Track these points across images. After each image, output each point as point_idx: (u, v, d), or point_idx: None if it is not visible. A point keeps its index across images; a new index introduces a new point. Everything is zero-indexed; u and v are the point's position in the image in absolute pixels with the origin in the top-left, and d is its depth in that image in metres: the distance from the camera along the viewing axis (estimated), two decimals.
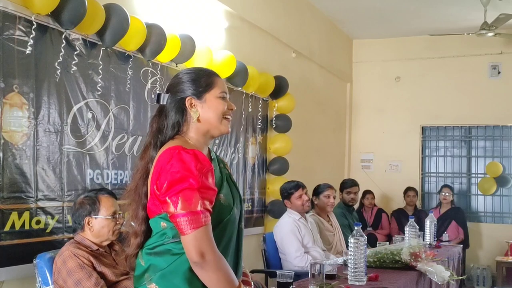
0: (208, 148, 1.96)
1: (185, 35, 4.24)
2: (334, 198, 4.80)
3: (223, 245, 1.80)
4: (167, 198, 1.70)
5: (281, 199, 4.58)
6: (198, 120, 1.88)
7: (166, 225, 1.78)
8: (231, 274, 1.76)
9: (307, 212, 4.58)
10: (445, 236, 6.78)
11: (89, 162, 3.52)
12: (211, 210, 1.74)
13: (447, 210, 7.19)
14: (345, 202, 5.61)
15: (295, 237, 4.21)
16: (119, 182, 3.77)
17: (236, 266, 1.87)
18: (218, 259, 1.72)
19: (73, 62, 3.37)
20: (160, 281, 1.77)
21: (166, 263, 1.78)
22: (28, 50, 3.08)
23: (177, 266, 1.76)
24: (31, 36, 3.08)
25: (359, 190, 5.81)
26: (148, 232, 1.88)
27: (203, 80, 1.90)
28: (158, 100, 1.92)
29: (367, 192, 7.26)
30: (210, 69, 2.01)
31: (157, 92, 1.97)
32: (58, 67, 3.27)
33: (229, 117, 1.93)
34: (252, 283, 2.10)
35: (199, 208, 1.69)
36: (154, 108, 4.05)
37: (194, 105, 1.88)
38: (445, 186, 7.40)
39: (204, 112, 1.88)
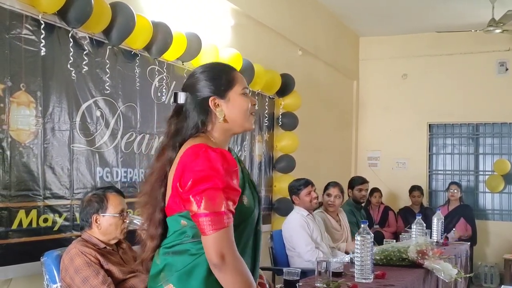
0: (229, 147, 1.93)
1: (191, 33, 4.25)
2: (338, 197, 4.78)
3: (240, 247, 1.75)
4: (190, 197, 1.67)
5: (289, 196, 4.59)
6: (225, 120, 1.83)
7: (186, 223, 1.74)
8: (250, 277, 1.72)
9: (314, 210, 4.60)
10: (452, 233, 6.75)
11: (99, 160, 3.54)
12: (234, 211, 1.70)
13: (455, 207, 7.14)
14: (355, 199, 5.62)
15: (304, 232, 4.25)
16: (128, 180, 3.79)
17: (253, 269, 1.84)
18: (238, 262, 1.68)
19: (84, 62, 3.39)
20: (178, 282, 1.74)
21: (183, 263, 1.74)
22: (43, 51, 3.10)
23: (195, 267, 1.73)
24: (41, 36, 3.10)
25: (369, 187, 5.83)
26: (164, 235, 1.85)
27: (224, 77, 1.85)
28: (175, 99, 1.86)
29: (374, 190, 7.24)
30: (227, 64, 1.94)
31: (174, 91, 1.90)
32: (71, 68, 3.30)
33: (253, 113, 1.89)
34: (267, 285, 2.09)
35: (222, 208, 1.65)
36: (160, 106, 4.08)
37: (219, 104, 1.83)
38: (453, 183, 7.36)
39: (230, 111, 1.83)
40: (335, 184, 4.84)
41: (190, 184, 1.67)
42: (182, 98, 1.86)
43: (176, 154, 1.81)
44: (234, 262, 1.67)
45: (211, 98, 1.83)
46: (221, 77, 1.85)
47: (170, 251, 1.78)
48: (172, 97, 1.89)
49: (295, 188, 4.47)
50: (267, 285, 2.05)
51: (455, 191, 7.13)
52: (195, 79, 1.87)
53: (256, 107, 1.93)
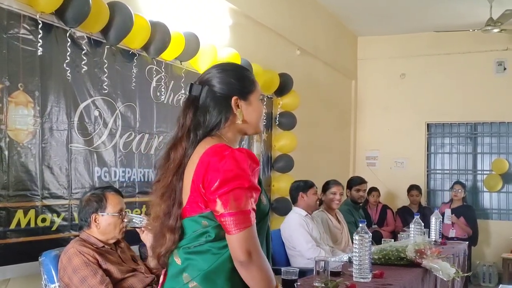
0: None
1: (190, 32, 4.25)
2: (341, 195, 4.83)
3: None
4: (217, 197, 1.67)
5: (293, 194, 4.58)
6: (243, 121, 1.84)
7: (207, 223, 1.74)
8: (272, 273, 1.75)
9: (314, 210, 4.61)
10: (451, 233, 6.78)
11: (97, 160, 3.53)
12: (255, 209, 1.72)
13: (457, 206, 7.10)
14: (353, 199, 5.62)
15: (304, 230, 4.27)
16: (126, 179, 3.79)
17: None
18: (263, 259, 1.71)
19: (82, 62, 3.39)
20: (203, 282, 1.74)
21: (207, 263, 1.74)
22: (40, 51, 3.10)
23: (219, 266, 1.74)
24: (39, 36, 3.09)
25: (367, 187, 5.83)
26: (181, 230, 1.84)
27: (247, 80, 1.87)
28: (191, 91, 1.85)
29: (372, 190, 7.24)
30: (245, 67, 1.96)
31: (190, 82, 1.90)
32: (67, 68, 3.30)
33: (264, 117, 1.92)
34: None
35: (248, 207, 1.67)
36: (159, 106, 4.08)
37: (240, 106, 1.84)
38: (457, 182, 7.31)
39: (248, 114, 1.85)
40: (338, 182, 4.85)
41: (218, 185, 1.67)
42: (198, 90, 1.84)
43: (194, 149, 1.80)
44: (259, 259, 1.69)
45: (234, 98, 1.83)
46: (245, 79, 1.87)
47: (191, 251, 1.78)
48: (188, 88, 1.87)
49: (305, 186, 4.51)
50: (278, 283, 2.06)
51: (459, 190, 7.10)
52: (216, 75, 1.86)
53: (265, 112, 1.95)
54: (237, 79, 1.86)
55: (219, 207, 1.67)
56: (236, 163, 1.68)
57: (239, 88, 1.84)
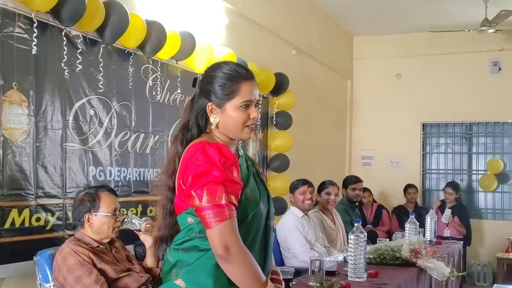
0: (237, 147, 1.95)
1: (185, 32, 4.24)
2: (336, 195, 4.83)
3: (249, 241, 1.78)
4: (192, 192, 1.71)
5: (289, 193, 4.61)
6: (217, 126, 1.86)
7: (192, 220, 1.78)
8: (257, 269, 1.74)
9: (308, 210, 4.61)
10: (446, 232, 6.80)
11: (92, 159, 3.53)
12: (236, 204, 1.73)
13: (451, 206, 7.13)
14: (349, 198, 5.62)
15: (299, 233, 4.26)
16: (122, 179, 3.78)
17: (263, 263, 1.86)
18: (244, 253, 1.71)
19: (77, 61, 3.38)
20: (186, 277, 1.77)
21: (193, 259, 1.77)
22: (34, 50, 3.09)
23: (203, 262, 1.76)
24: (34, 35, 3.08)
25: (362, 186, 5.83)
26: (175, 227, 1.88)
27: (227, 86, 1.83)
28: (194, 85, 1.92)
29: (364, 190, 7.18)
30: (243, 70, 1.88)
31: (194, 77, 1.97)
32: (63, 67, 3.29)
33: (251, 125, 1.87)
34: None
35: (223, 201, 1.68)
36: (155, 105, 4.08)
37: (214, 111, 1.85)
38: (447, 185, 7.28)
39: (223, 120, 1.85)
40: (333, 182, 4.85)
41: (191, 180, 1.71)
42: (198, 85, 1.91)
43: (183, 150, 1.84)
44: (240, 253, 1.69)
45: (208, 104, 1.85)
46: (225, 86, 1.84)
47: (179, 248, 1.82)
48: (192, 82, 1.95)
49: (293, 186, 4.51)
50: (283, 282, 2.05)
51: (449, 193, 7.09)
52: (204, 77, 1.90)
53: (258, 118, 1.94)
54: (217, 85, 1.85)
55: (196, 202, 1.70)
56: (206, 157, 1.71)
57: (216, 95, 1.85)
